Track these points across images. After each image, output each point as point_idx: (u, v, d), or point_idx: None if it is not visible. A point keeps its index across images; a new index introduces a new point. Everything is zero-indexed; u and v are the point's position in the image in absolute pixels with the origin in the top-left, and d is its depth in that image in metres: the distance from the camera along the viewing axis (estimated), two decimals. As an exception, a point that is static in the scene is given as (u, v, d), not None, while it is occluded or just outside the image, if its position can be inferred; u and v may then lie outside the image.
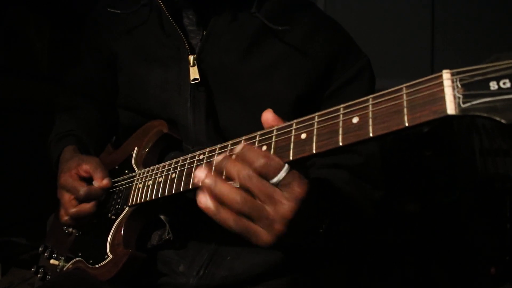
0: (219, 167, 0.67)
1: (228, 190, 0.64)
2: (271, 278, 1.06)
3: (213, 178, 0.65)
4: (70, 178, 1.01)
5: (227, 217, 0.65)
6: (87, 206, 1.01)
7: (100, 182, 1.01)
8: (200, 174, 0.67)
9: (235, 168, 0.64)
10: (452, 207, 2.49)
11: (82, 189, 0.99)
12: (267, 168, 0.63)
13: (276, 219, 0.64)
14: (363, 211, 1.02)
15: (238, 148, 0.66)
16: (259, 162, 0.63)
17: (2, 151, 2.72)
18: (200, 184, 0.67)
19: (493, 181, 2.44)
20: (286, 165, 0.64)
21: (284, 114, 1.00)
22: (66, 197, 1.02)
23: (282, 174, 0.63)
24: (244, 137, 0.74)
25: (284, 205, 0.63)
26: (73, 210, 1.01)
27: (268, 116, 0.70)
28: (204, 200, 0.66)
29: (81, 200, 1.01)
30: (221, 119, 1.04)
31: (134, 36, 1.10)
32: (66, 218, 1.03)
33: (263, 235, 0.65)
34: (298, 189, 0.64)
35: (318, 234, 0.81)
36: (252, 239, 0.66)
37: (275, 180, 0.64)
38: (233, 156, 0.66)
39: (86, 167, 1.03)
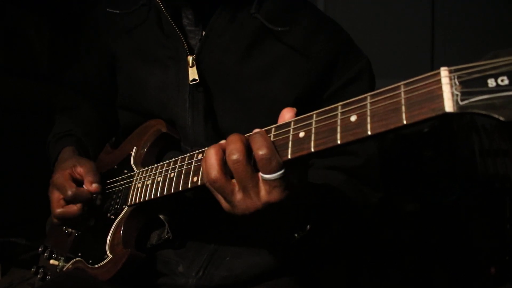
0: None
1: (209, 163, 0.70)
2: (271, 278, 1.05)
3: (217, 147, 0.71)
4: (62, 177, 1.01)
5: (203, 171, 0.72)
6: (73, 208, 1.01)
7: (89, 185, 1.02)
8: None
9: (232, 144, 0.68)
10: (452, 207, 2.48)
11: (70, 189, 0.99)
12: (267, 163, 0.65)
13: (238, 206, 0.70)
14: (358, 212, 1.02)
15: (256, 130, 0.70)
16: (263, 152, 0.65)
17: (2, 151, 2.72)
18: None
19: (493, 181, 2.43)
20: (283, 170, 0.66)
21: None
22: (55, 195, 1.02)
23: (274, 176, 0.66)
24: None
25: (252, 200, 0.68)
26: (58, 210, 1.01)
27: (287, 113, 0.71)
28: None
29: (68, 200, 1.00)
30: (220, 120, 1.04)
31: (134, 36, 1.10)
32: (53, 218, 1.04)
33: (224, 204, 0.72)
34: (276, 195, 0.67)
35: (291, 239, 0.83)
36: (217, 199, 0.73)
37: (266, 177, 0.66)
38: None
39: (80, 170, 1.03)
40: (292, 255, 1.02)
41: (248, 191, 0.68)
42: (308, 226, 0.82)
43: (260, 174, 0.67)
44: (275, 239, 0.87)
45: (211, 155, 0.70)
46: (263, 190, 0.68)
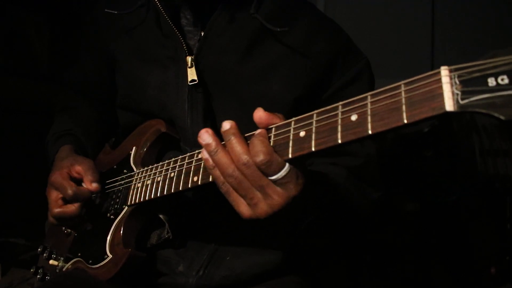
0: (225, 136, 0.71)
1: (225, 163, 0.69)
2: (271, 278, 1.05)
3: (216, 146, 0.71)
4: (60, 176, 1.01)
5: (218, 176, 0.71)
6: (71, 208, 1.01)
7: (90, 185, 1.01)
8: (206, 139, 0.72)
9: (237, 149, 0.68)
10: (452, 207, 2.48)
11: (70, 188, 0.98)
12: (268, 167, 0.66)
13: (261, 206, 0.69)
14: (359, 207, 1.03)
15: (256, 132, 0.70)
16: (261, 158, 0.66)
17: (2, 151, 2.72)
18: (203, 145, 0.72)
19: (493, 181, 2.43)
20: (287, 165, 0.66)
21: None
22: (54, 195, 1.02)
23: (281, 174, 0.66)
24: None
25: (273, 200, 0.68)
26: (57, 210, 1.01)
27: (260, 114, 0.72)
28: (205, 156, 0.72)
29: (68, 200, 1.00)
30: (219, 121, 1.04)
31: (133, 36, 1.10)
32: (50, 218, 1.04)
33: (243, 208, 0.71)
34: (292, 189, 0.68)
35: (299, 224, 0.83)
36: (233, 205, 0.72)
37: (273, 177, 0.67)
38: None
39: (78, 168, 1.03)
40: (302, 242, 1.02)
41: (265, 191, 0.68)
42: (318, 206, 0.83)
43: (268, 178, 0.68)
44: (285, 229, 0.87)
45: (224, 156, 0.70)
46: (278, 188, 0.68)
